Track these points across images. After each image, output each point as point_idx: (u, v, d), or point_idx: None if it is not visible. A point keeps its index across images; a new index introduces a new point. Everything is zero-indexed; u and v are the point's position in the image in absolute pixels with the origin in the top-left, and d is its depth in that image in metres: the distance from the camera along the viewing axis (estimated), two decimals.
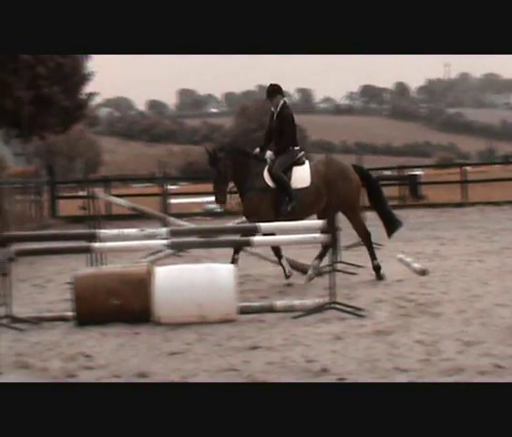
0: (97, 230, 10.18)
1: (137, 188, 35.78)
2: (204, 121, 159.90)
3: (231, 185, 12.19)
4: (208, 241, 11.07)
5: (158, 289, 9.41)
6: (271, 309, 9.77)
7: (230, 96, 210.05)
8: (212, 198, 27.64)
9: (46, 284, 13.25)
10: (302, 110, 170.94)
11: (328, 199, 11.70)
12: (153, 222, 15.83)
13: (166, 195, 19.58)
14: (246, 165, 12.02)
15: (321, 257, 12.02)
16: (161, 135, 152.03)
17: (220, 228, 11.89)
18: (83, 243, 10.68)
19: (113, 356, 7.86)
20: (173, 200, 21.91)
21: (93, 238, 10.11)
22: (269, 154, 12.17)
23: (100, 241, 10.06)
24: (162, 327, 9.14)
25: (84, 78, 38.16)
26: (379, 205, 12.67)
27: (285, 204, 11.87)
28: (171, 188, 23.85)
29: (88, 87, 39.22)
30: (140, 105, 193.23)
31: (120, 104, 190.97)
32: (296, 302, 9.92)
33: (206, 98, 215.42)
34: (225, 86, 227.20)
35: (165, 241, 10.22)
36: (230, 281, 9.44)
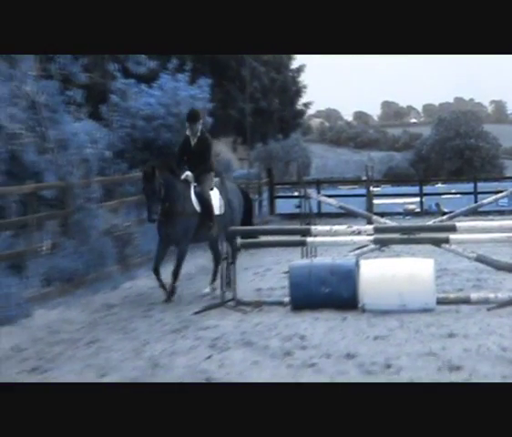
0: (311, 227, 10.25)
1: (344, 189, 35.89)
2: (405, 130, 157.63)
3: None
4: (408, 238, 10.90)
5: (364, 280, 9.38)
6: (466, 301, 9.51)
7: (428, 108, 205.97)
8: (412, 200, 27.05)
9: (266, 273, 13.48)
10: (495, 120, 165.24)
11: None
12: (359, 220, 15.78)
13: (370, 196, 19.43)
14: (175, 186, 10.96)
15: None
16: (365, 142, 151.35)
17: (419, 226, 11.66)
18: (298, 237, 10.80)
19: (324, 338, 7.91)
20: (376, 201, 21.72)
21: (307, 233, 10.21)
22: (190, 175, 11.19)
23: (313, 236, 10.14)
24: (367, 313, 9.10)
25: (298, 92, 39.05)
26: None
27: (207, 228, 11.13)
28: (375, 189, 23.67)
29: (303, 99, 40.22)
30: (348, 115, 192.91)
31: (330, 115, 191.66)
32: (491, 295, 9.59)
33: (407, 110, 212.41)
34: (424, 97, 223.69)
35: (370, 237, 10.18)
36: (429, 274, 9.26)
